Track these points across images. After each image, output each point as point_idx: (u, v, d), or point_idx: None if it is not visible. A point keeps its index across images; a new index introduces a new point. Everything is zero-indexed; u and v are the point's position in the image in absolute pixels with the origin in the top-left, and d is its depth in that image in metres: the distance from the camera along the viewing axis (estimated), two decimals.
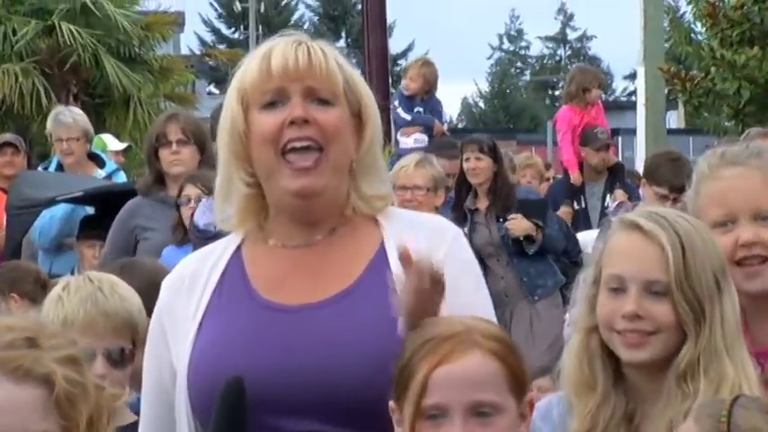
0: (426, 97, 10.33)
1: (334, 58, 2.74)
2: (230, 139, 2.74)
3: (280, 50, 2.70)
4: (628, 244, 2.73)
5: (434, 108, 10.52)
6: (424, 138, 9.75)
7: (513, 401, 2.46)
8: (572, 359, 2.80)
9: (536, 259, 8.04)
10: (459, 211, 8.33)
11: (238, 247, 2.80)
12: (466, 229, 8.24)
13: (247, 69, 2.74)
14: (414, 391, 2.43)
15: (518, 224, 8.07)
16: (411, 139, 9.75)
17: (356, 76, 2.80)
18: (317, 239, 2.75)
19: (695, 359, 2.67)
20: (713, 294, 2.69)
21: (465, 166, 8.35)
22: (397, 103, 10.50)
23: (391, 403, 2.49)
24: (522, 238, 8.07)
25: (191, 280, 2.79)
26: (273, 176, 2.68)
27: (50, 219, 7.89)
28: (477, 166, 8.31)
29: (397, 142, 10.08)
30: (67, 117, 8.59)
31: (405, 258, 2.50)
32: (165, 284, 2.85)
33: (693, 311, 2.67)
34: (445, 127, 10.89)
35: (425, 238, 2.71)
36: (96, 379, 2.25)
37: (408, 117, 10.18)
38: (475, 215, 8.34)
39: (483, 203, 8.33)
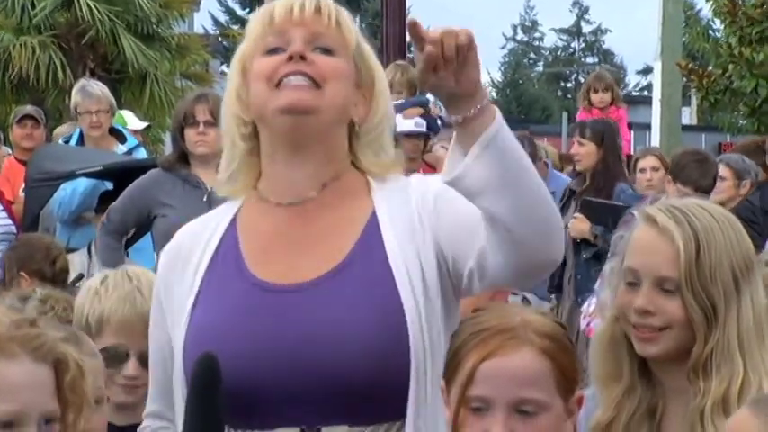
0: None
1: (348, 22, 2.69)
2: (229, 100, 2.70)
3: (284, 1, 2.67)
4: (644, 238, 2.73)
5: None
6: (423, 122, 9.65)
7: (559, 400, 2.44)
8: (598, 348, 2.81)
9: (598, 261, 7.47)
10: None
11: (235, 217, 2.74)
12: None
13: (249, 29, 2.71)
14: (460, 379, 2.43)
15: (576, 225, 7.75)
16: (412, 122, 9.62)
17: (370, 50, 2.74)
18: (310, 196, 2.65)
19: (706, 357, 2.67)
20: (730, 293, 2.68)
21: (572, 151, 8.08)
22: None
23: (442, 383, 2.50)
24: (579, 240, 7.76)
25: (187, 251, 2.73)
26: (266, 107, 2.61)
27: (72, 192, 7.89)
28: (578, 152, 8.04)
29: None
30: (95, 89, 8.53)
31: (414, 33, 2.40)
32: (164, 254, 2.80)
33: (703, 310, 2.66)
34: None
35: (416, 193, 2.66)
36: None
37: (402, 100, 9.93)
38: (572, 196, 8.09)
39: (581, 186, 8.05)
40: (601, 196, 7.89)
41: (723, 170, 8.29)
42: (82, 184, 7.87)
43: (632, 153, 11.10)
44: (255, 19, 2.70)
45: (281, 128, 2.62)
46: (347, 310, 2.56)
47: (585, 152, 8.04)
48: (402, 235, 2.62)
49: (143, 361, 3.21)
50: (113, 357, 3.33)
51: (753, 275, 2.73)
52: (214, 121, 6.34)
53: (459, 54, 2.39)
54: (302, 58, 2.59)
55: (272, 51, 2.63)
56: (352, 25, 2.71)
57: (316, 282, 2.61)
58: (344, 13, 2.70)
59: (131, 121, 9.63)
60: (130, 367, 3.30)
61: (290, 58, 2.60)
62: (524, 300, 6.68)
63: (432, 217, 2.63)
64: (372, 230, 2.64)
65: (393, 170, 2.73)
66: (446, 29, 2.39)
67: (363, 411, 2.55)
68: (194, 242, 2.74)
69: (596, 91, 10.67)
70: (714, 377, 2.66)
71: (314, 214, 2.66)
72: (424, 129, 9.57)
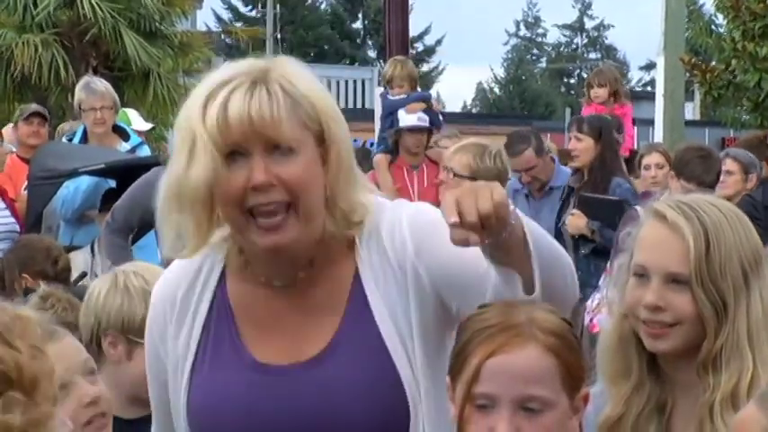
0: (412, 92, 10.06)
1: (293, 85, 2.56)
2: (181, 176, 2.55)
3: (237, 98, 2.51)
4: (653, 234, 2.72)
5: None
6: (426, 117, 9.62)
7: (565, 397, 2.42)
8: (606, 345, 2.80)
9: (597, 257, 7.50)
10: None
11: (223, 274, 2.71)
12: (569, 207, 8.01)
13: (197, 111, 2.53)
14: (466, 377, 2.42)
15: (573, 222, 7.74)
16: (414, 117, 9.60)
17: (317, 91, 2.60)
18: (300, 276, 2.64)
19: (716, 353, 2.66)
20: (739, 288, 2.67)
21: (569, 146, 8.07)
22: (383, 90, 10.27)
23: (447, 379, 2.49)
24: (577, 236, 7.73)
25: (180, 308, 2.70)
26: (242, 233, 2.57)
27: (75, 190, 7.91)
28: (576, 147, 7.99)
29: (393, 124, 9.82)
30: (99, 86, 8.53)
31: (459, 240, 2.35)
32: (157, 297, 2.77)
33: (714, 305, 2.66)
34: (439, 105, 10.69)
35: (391, 244, 2.62)
36: None
37: (403, 95, 9.88)
38: (572, 194, 8.05)
39: (580, 183, 8.01)
40: (598, 192, 7.86)
41: (731, 164, 8.27)
42: (85, 181, 7.88)
43: (636, 148, 11.10)
44: (211, 105, 2.52)
45: (264, 254, 2.61)
46: (344, 390, 2.58)
47: (583, 147, 8.00)
48: (386, 291, 2.62)
49: None
50: None
51: (762, 270, 2.72)
52: None
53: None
54: (270, 185, 2.52)
55: (232, 157, 2.51)
56: (293, 90, 2.56)
57: (311, 361, 2.62)
58: (289, 80, 2.56)
59: (136, 122, 9.63)
60: None
61: (256, 188, 2.52)
62: None
63: (414, 260, 2.59)
64: (359, 296, 2.63)
65: (366, 208, 2.66)
66: (484, 208, 2.29)
67: None
68: (187, 295, 2.71)
69: (592, 86, 10.70)
70: (724, 372, 2.65)
71: (304, 290, 2.65)
72: (426, 123, 9.54)
